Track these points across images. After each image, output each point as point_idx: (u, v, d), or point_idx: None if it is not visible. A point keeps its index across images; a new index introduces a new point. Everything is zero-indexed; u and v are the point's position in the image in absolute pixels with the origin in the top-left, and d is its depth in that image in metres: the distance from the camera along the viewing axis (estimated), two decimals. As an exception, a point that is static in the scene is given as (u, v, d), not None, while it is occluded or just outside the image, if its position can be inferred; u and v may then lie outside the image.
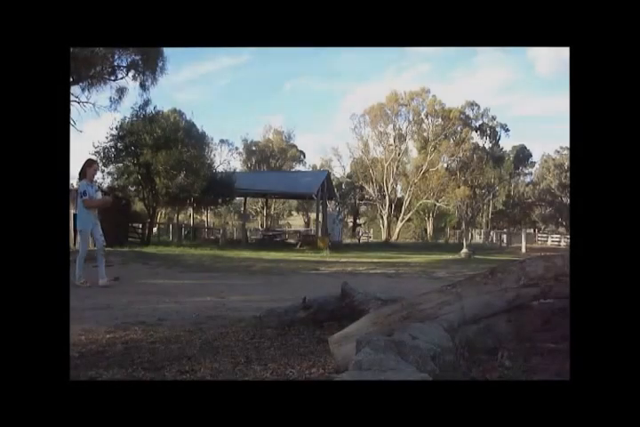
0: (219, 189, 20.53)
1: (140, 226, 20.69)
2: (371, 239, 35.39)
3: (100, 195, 6.76)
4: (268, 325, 3.47)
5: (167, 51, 17.98)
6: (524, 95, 76.29)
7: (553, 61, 62.14)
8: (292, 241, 24.11)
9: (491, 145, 41.96)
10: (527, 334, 2.72)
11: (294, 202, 46.26)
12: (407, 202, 37.68)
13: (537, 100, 78.92)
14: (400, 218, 37.64)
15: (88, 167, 6.51)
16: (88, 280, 6.22)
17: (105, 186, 19.46)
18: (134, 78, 17.66)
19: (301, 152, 47.95)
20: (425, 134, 38.40)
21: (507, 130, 42.35)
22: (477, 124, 40.70)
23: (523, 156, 45.43)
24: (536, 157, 47.17)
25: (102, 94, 19.99)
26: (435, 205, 38.14)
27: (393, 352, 1.82)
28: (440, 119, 37.61)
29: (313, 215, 36.55)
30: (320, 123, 78.60)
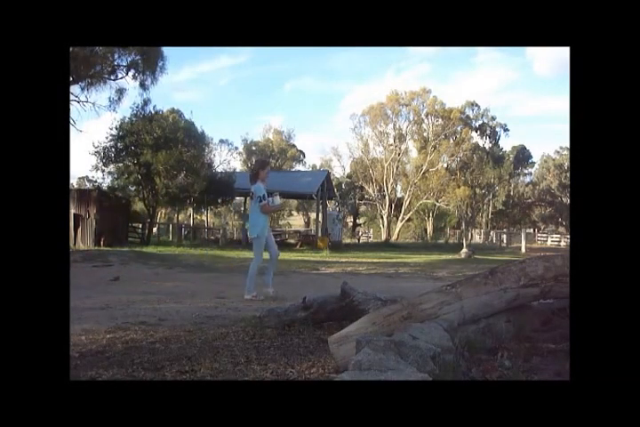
0: (219, 188, 20.53)
1: (140, 226, 20.70)
2: (370, 239, 35.41)
3: (279, 199, 5.92)
4: (267, 325, 3.47)
5: (167, 50, 18.05)
6: (525, 95, 76.40)
7: (553, 61, 62.16)
8: (291, 241, 24.10)
9: (491, 145, 41.95)
10: (527, 334, 2.72)
11: (294, 202, 46.24)
12: (407, 202, 37.67)
13: (537, 100, 79.03)
14: (400, 218, 37.63)
15: (261, 169, 5.73)
16: (258, 293, 5.57)
17: (104, 186, 19.50)
18: (134, 78, 17.72)
19: (301, 152, 47.97)
20: (425, 134, 38.39)
21: (506, 130, 42.38)
22: (477, 125, 40.71)
23: (523, 156, 45.40)
24: (536, 158, 47.23)
25: (102, 94, 20.02)
26: (435, 205, 38.13)
27: (393, 352, 1.82)
28: (440, 119, 37.61)
29: (313, 215, 36.55)
30: (320, 123, 78.70)
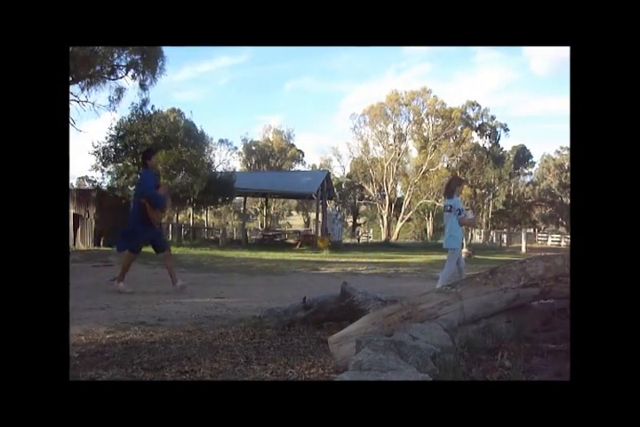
0: (218, 188, 20.51)
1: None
2: (370, 239, 35.38)
3: (471, 213, 6.36)
4: (267, 325, 3.47)
5: (166, 50, 18.01)
6: (525, 95, 76.39)
7: (553, 61, 62.17)
8: (291, 241, 24.09)
9: (491, 145, 41.97)
10: (527, 335, 2.71)
11: (294, 202, 46.26)
12: (407, 202, 37.69)
13: (537, 100, 79.06)
14: (400, 218, 37.65)
15: (458, 186, 6.08)
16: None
17: (104, 186, 19.49)
18: (134, 78, 17.68)
19: (301, 152, 48.00)
20: (425, 134, 38.40)
21: (507, 130, 42.40)
22: (477, 124, 40.72)
23: (523, 156, 45.42)
24: (536, 157, 47.25)
25: (101, 94, 20.00)
26: (435, 204, 38.11)
27: (393, 352, 1.82)
28: (440, 119, 37.61)
29: (313, 215, 36.53)
30: (320, 122, 78.72)
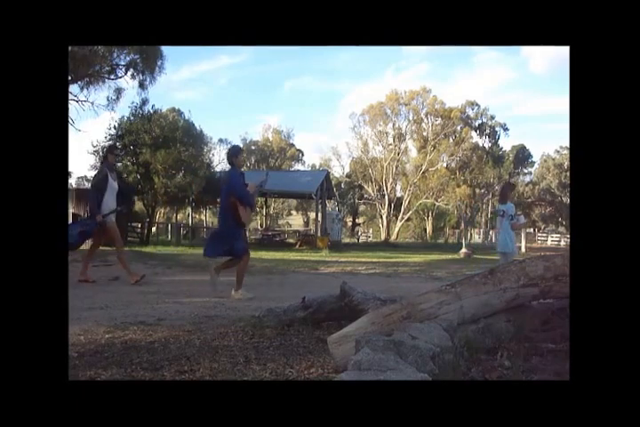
0: (217, 188, 20.47)
1: (139, 225, 20.66)
2: (370, 239, 35.41)
3: (523, 218, 6.76)
4: (267, 324, 3.46)
5: (166, 50, 18.01)
6: (524, 94, 76.41)
7: (552, 60, 62.17)
8: (291, 241, 24.09)
9: (490, 144, 41.98)
10: (526, 334, 2.71)
11: (293, 201, 46.27)
12: (406, 201, 37.70)
13: (537, 100, 79.06)
14: (399, 217, 37.67)
15: (510, 191, 6.57)
16: None
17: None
18: (133, 77, 17.68)
19: (300, 151, 48.01)
20: (424, 134, 38.42)
21: (506, 129, 42.43)
22: (477, 124, 40.73)
23: (522, 155, 45.46)
24: (536, 157, 47.29)
25: (101, 93, 19.98)
26: (434, 204, 38.16)
27: (392, 352, 1.82)
28: (440, 118, 37.62)
29: (312, 215, 36.52)
30: (319, 122, 78.72)
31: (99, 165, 18.92)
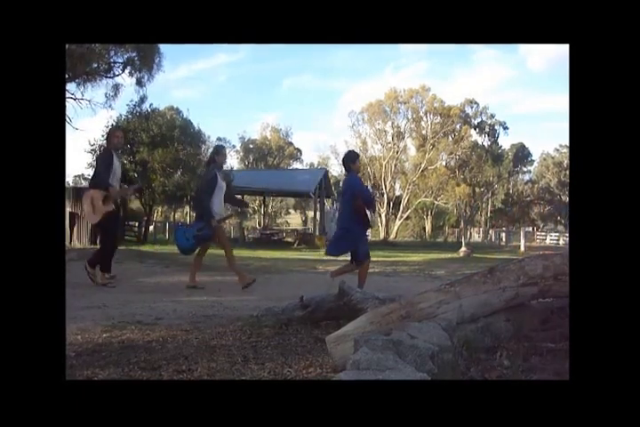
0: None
1: (137, 224, 20.64)
2: (369, 238, 35.39)
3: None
4: (265, 324, 3.45)
5: (163, 48, 17.96)
6: (523, 93, 76.47)
7: (551, 58, 62.23)
8: (289, 240, 24.08)
9: (490, 143, 42.01)
10: (526, 334, 2.71)
11: (292, 200, 46.27)
12: (405, 200, 37.71)
13: (536, 98, 79.18)
14: (398, 216, 37.67)
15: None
16: None
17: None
18: (130, 75, 17.62)
19: (299, 150, 48.00)
20: (423, 132, 38.41)
21: (506, 128, 42.45)
22: (476, 122, 40.75)
23: (522, 154, 45.50)
24: (535, 156, 47.35)
25: (98, 91, 19.93)
26: (433, 203, 38.19)
27: (391, 352, 1.81)
28: (439, 117, 37.62)
29: (310, 213, 36.52)
30: (318, 120, 78.74)
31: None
